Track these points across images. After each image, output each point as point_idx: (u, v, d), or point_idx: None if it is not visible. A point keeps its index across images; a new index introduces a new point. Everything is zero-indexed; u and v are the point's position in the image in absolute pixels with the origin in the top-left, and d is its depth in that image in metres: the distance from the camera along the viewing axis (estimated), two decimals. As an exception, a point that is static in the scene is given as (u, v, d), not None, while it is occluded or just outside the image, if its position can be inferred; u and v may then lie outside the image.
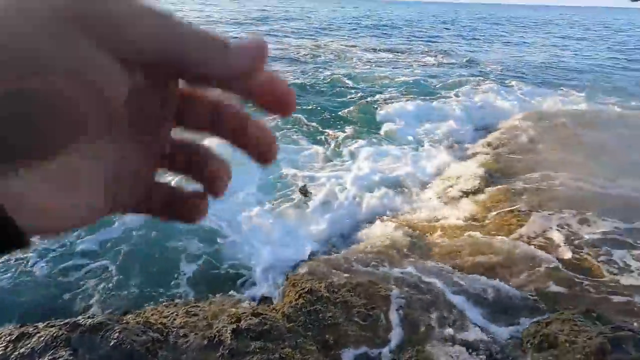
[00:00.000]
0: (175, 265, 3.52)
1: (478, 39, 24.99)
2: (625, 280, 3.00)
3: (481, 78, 12.38)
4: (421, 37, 23.96)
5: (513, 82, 11.39)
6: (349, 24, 29.45)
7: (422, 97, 9.16)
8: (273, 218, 3.99)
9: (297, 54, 14.98)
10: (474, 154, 6.11)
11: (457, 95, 9.62)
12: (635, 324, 2.36)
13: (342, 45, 18.03)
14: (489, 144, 6.57)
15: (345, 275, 3.31)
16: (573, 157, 5.52)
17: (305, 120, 7.16)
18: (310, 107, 7.94)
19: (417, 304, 2.85)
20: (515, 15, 62.73)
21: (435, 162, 5.73)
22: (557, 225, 3.74)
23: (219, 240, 3.70)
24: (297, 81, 10.06)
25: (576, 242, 3.47)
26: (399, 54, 16.80)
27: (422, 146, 6.38)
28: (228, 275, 3.45)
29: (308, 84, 9.86)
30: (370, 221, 4.26)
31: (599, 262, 3.20)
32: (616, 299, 2.83)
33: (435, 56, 16.60)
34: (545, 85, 11.54)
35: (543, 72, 13.92)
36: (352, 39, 20.97)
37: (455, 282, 3.17)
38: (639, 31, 35.55)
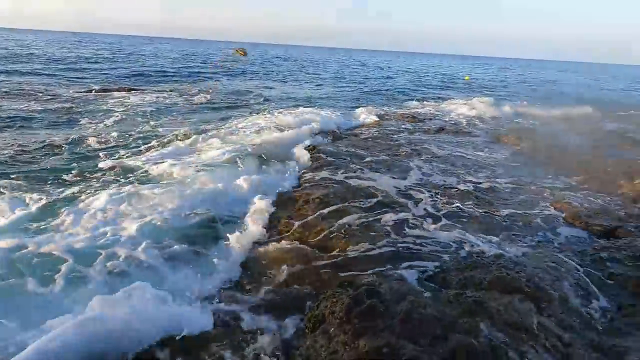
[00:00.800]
0: None
1: (241, 73, 27.52)
2: (359, 250, 4.06)
3: (263, 106, 13.98)
4: (183, 75, 24.17)
5: (295, 109, 13.15)
6: (100, 65, 26.29)
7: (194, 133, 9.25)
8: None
9: (39, 100, 12.20)
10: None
11: (232, 130, 10.10)
12: (368, 278, 3.23)
13: (94, 92, 15.92)
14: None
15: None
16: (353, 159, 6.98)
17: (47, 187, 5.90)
18: (58, 165, 6.65)
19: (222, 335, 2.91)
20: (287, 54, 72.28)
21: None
22: (337, 224, 4.62)
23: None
24: (36, 141, 8.21)
25: (341, 232, 4.40)
26: (166, 93, 16.41)
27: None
28: None
29: (50, 142, 8.20)
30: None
31: (344, 241, 4.19)
32: (358, 265, 3.79)
33: (203, 93, 17.08)
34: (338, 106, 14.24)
35: (327, 98, 17.03)
36: (104, 80, 18.82)
37: (254, 299, 3.41)
38: (372, 65, 48.27)
